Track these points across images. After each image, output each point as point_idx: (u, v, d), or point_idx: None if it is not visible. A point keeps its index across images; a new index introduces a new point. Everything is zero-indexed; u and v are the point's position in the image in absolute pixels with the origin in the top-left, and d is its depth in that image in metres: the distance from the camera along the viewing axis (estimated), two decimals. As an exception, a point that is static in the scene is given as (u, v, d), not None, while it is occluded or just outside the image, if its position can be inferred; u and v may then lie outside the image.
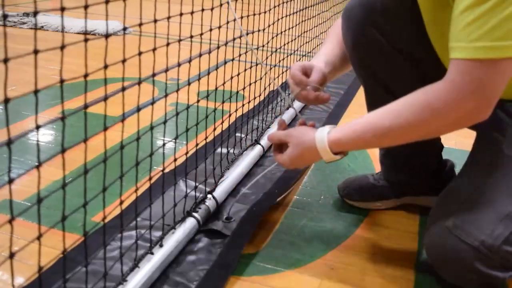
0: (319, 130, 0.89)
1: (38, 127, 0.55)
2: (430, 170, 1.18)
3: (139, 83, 0.75)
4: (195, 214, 1.02)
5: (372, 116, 0.86)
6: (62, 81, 0.57)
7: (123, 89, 0.70)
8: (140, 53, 0.73)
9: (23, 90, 0.56)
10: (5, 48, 0.49)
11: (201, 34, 0.94)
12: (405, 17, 0.98)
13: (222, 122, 1.39)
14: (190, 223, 1.00)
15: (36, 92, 0.54)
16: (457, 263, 0.86)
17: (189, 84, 0.98)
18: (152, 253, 0.89)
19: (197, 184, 1.09)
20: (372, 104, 1.10)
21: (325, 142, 0.87)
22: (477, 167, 0.92)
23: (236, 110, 1.34)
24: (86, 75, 0.60)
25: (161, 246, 0.91)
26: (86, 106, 0.62)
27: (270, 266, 0.97)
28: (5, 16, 0.49)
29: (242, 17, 1.22)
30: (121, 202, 0.78)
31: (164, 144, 0.95)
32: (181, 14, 0.85)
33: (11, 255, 0.58)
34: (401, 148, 0.96)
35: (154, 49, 0.76)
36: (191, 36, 0.91)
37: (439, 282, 0.95)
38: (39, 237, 0.63)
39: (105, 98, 0.67)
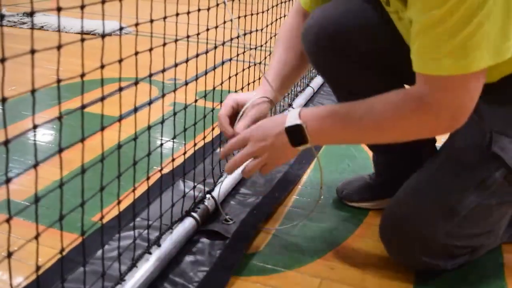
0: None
1: (35, 127, 0.55)
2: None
3: (136, 83, 0.75)
4: (194, 214, 1.02)
5: (344, 105, 0.85)
6: (59, 81, 0.57)
7: (120, 89, 0.70)
8: (136, 53, 0.74)
9: (22, 90, 0.56)
10: (2, 48, 0.49)
11: (198, 34, 0.95)
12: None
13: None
14: (188, 223, 1.00)
15: (33, 91, 0.54)
16: (402, 249, 0.93)
17: (186, 84, 0.98)
18: (150, 253, 0.89)
19: (195, 184, 1.09)
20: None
21: (296, 113, 0.84)
22: (434, 159, 0.96)
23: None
24: (82, 75, 0.60)
25: (159, 245, 0.91)
26: (83, 106, 0.62)
27: (270, 266, 0.97)
28: (2, 16, 0.49)
29: (239, 17, 1.21)
30: (119, 202, 0.79)
31: (161, 144, 0.95)
32: (182, 14, 0.85)
33: (9, 255, 0.58)
34: (392, 146, 0.98)
35: (150, 49, 0.77)
36: (188, 36, 0.91)
37: (439, 283, 0.94)
38: (36, 237, 0.63)
39: (102, 98, 0.67)
